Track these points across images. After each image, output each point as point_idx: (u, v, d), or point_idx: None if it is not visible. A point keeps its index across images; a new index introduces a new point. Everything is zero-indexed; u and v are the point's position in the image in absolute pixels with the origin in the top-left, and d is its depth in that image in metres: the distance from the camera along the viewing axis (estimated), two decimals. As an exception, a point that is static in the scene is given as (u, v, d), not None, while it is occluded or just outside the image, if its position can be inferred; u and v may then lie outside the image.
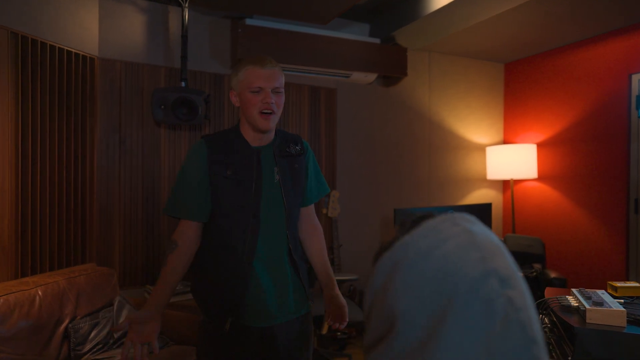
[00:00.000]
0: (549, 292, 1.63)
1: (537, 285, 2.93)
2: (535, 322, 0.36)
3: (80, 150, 2.62)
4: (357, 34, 3.51)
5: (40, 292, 2.08)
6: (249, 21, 2.98)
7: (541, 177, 3.79)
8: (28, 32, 2.28)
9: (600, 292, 1.46)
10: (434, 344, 0.34)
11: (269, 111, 1.41)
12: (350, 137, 3.56)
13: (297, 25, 3.14)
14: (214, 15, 3.05)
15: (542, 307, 1.47)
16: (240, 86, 1.44)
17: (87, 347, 2.16)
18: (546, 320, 1.45)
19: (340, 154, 3.52)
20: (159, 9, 2.90)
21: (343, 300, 1.56)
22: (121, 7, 2.80)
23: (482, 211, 3.71)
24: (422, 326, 0.36)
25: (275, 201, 1.46)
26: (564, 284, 2.96)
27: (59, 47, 2.45)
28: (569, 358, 1.27)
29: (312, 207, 1.66)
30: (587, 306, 1.30)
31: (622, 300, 1.41)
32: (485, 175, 4.07)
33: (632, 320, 1.29)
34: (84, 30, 2.64)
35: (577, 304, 1.40)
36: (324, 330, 1.93)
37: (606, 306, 1.29)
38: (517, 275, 0.39)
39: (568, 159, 3.59)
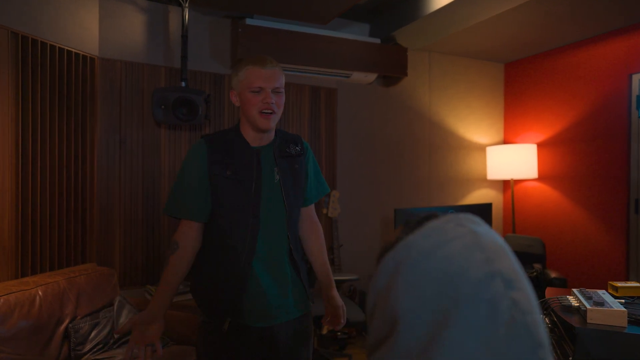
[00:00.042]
0: (549, 292, 1.63)
1: (537, 285, 2.93)
2: (541, 325, 0.36)
3: (81, 150, 2.62)
4: (357, 34, 3.51)
5: (40, 292, 2.08)
6: (249, 21, 2.98)
7: (541, 177, 3.79)
8: (28, 32, 2.28)
9: (601, 292, 1.46)
10: (437, 346, 0.34)
11: (269, 111, 1.41)
12: (350, 137, 3.56)
13: (297, 25, 3.14)
14: (214, 15, 3.05)
15: (543, 307, 1.47)
16: (241, 86, 1.43)
17: (88, 347, 2.16)
18: (547, 320, 1.45)
19: (340, 154, 3.52)
20: (159, 8, 2.90)
21: (340, 300, 1.56)
22: (121, 7, 2.79)
23: (483, 211, 3.70)
24: (425, 327, 0.36)
25: (276, 201, 1.46)
26: (564, 284, 2.96)
27: (59, 47, 2.45)
28: (570, 358, 1.27)
29: (312, 206, 1.66)
30: (588, 306, 1.30)
31: (623, 301, 1.41)
32: (485, 175, 4.07)
33: (633, 321, 1.29)
34: (84, 30, 2.64)
35: (577, 304, 1.40)
36: (325, 331, 1.93)
37: (607, 306, 1.29)
38: (523, 277, 0.38)
39: (568, 159, 3.59)
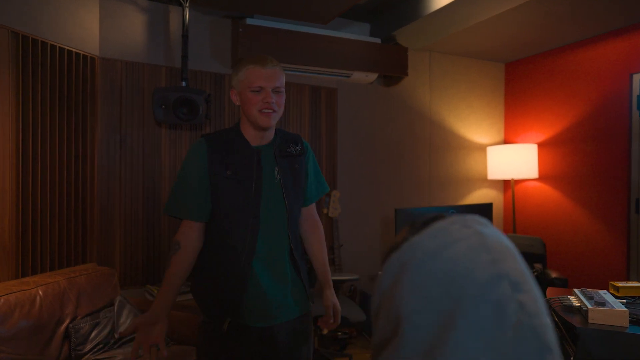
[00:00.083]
0: (550, 292, 1.63)
1: (538, 285, 2.93)
2: (549, 328, 0.35)
3: (81, 149, 2.62)
4: (357, 33, 3.50)
5: (40, 292, 2.08)
6: (249, 21, 2.98)
7: (542, 177, 3.79)
8: (28, 32, 2.28)
9: (602, 292, 1.46)
10: (442, 347, 0.34)
11: (269, 110, 1.41)
12: (350, 136, 3.56)
13: (297, 25, 3.13)
14: (215, 15, 3.04)
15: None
16: (241, 85, 1.43)
17: (88, 347, 2.16)
18: (548, 320, 1.45)
19: (340, 153, 3.52)
20: (160, 8, 2.90)
21: (333, 300, 1.56)
22: (122, 7, 2.79)
23: (483, 211, 3.70)
24: (430, 328, 0.35)
25: (276, 201, 1.46)
26: (565, 284, 2.96)
27: (59, 47, 2.45)
28: (571, 358, 1.27)
29: (313, 205, 1.66)
30: (589, 306, 1.30)
31: (624, 300, 1.41)
32: (486, 175, 4.07)
33: (635, 321, 1.28)
34: (84, 30, 2.64)
35: (579, 304, 1.40)
36: (325, 331, 1.93)
37: (608, 306, 1.29)
38: (530, 279, 0.38)
39: (569, 158, 3.59)
